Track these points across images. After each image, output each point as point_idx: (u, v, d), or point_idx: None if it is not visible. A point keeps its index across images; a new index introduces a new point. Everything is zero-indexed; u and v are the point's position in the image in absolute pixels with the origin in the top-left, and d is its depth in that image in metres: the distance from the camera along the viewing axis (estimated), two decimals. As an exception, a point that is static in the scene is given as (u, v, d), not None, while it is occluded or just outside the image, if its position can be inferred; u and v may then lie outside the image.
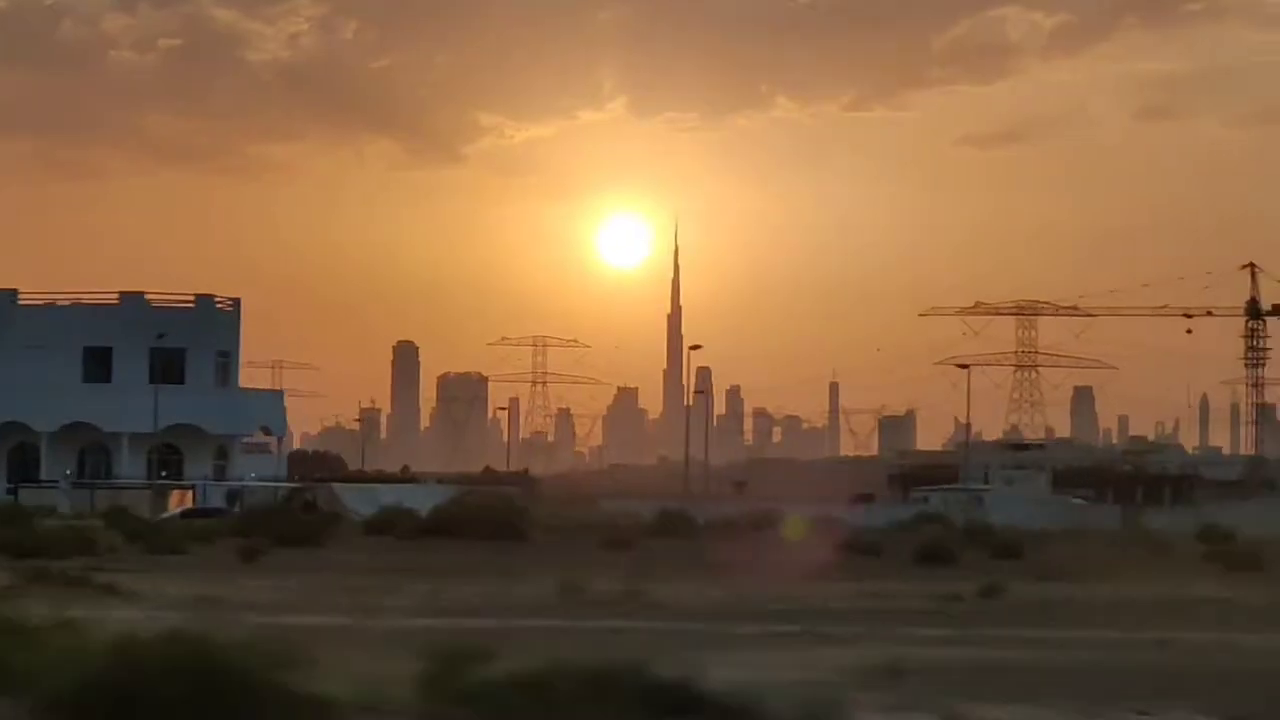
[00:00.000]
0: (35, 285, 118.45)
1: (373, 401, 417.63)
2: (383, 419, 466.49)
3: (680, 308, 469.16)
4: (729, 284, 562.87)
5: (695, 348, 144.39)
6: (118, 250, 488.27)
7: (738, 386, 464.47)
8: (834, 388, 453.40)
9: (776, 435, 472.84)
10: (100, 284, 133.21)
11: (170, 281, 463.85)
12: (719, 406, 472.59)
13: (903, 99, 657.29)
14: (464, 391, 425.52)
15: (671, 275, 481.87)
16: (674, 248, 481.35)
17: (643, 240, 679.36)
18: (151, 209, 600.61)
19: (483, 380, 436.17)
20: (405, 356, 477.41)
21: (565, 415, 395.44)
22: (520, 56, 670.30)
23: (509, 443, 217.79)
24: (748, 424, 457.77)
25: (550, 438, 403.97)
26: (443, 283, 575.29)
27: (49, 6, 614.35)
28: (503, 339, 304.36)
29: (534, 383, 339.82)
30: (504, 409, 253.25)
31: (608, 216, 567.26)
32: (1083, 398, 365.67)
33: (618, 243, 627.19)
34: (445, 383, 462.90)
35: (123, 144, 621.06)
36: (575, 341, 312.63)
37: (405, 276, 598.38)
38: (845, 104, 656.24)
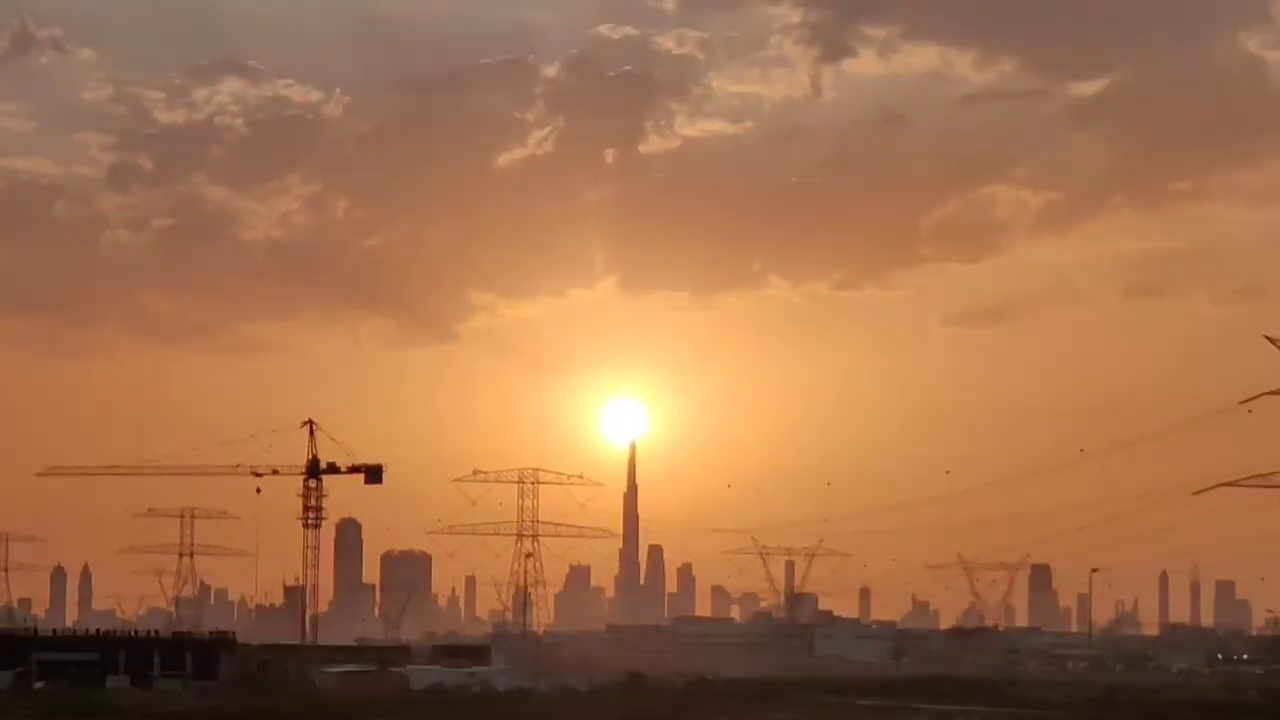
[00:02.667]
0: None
1: (297, 579, 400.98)
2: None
3: (636, 485, 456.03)
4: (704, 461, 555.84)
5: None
6: (111, 426, 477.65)
7: (689, 564, 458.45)
8: (790, 566, 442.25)
9: (735, 610, 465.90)
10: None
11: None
12: (670, 584, 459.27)
13: (893, 277, 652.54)
14: (407, 570, 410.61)
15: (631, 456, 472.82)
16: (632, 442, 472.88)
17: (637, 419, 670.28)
18: (145, 386, 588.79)
19: (425, 557, 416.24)
20: (347, 533, 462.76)
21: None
22: (511, 235, 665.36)
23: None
24: (702, 601, 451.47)
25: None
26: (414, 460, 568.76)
27: (45, 187, 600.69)
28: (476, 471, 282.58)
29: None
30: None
31: (597, 395, 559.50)
32: None
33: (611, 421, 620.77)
34: (388, 560, 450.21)
35: (118, 322, 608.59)
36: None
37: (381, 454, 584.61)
38: (835, 282, 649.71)
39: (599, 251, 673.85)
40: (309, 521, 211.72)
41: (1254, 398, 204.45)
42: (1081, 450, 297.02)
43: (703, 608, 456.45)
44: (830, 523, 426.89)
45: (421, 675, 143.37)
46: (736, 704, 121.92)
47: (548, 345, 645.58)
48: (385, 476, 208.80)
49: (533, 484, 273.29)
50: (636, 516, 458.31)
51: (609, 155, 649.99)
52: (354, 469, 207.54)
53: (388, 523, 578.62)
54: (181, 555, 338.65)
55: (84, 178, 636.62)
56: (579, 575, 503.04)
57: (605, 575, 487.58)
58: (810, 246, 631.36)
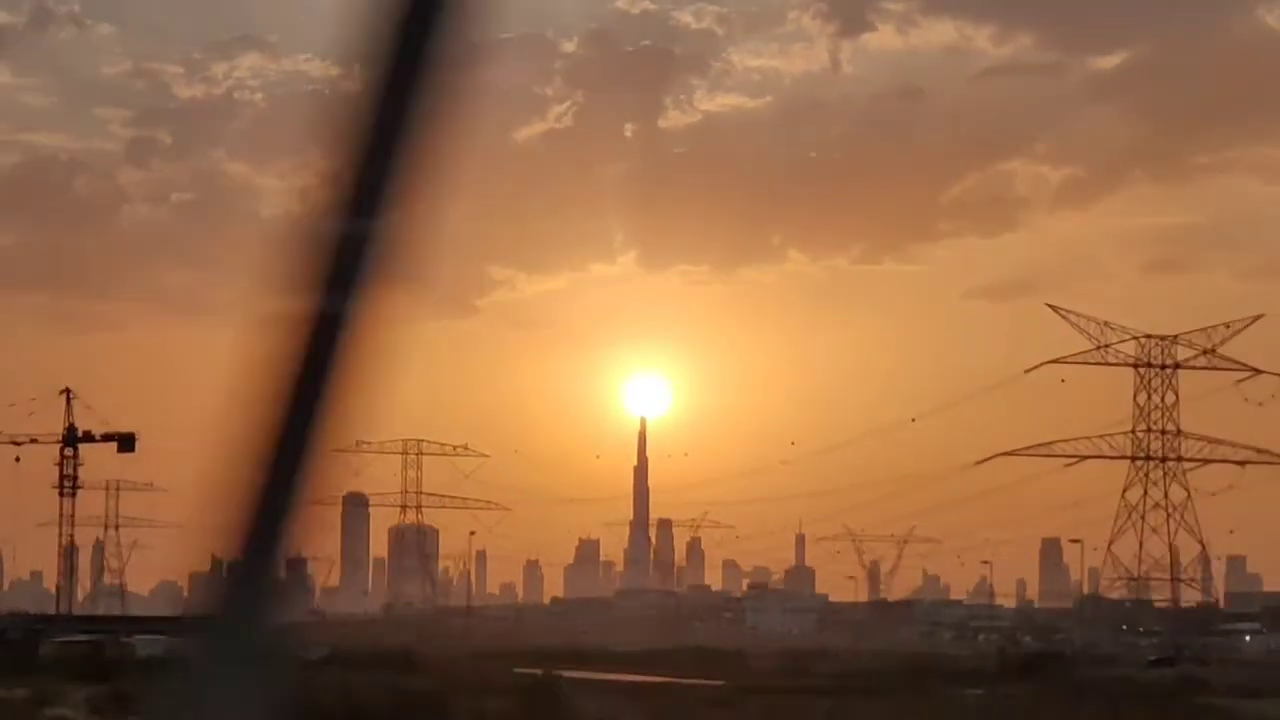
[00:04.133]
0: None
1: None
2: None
3: (646, 460, 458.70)
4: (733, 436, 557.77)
5: None
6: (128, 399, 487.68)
7: (698, 539, 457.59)
8: (800, 539, 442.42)
9: (745, 585, 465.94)
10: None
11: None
12: (680, 557, 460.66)
13: (912, 252, 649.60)
14: (415, 539, 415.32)
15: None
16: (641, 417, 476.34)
17: (656, 394, 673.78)
18: (164, 362, 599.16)
19: (434, 531, 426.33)
20: (353, 505, 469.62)
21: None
22: (531, 210, 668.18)
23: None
24: (712, 574, 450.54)
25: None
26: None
27: (64, 162, 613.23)
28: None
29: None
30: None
31: (617, 369, 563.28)
32: None
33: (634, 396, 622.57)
34: (396, 531, 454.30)
35: (136, 298, 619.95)
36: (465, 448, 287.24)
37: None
38: (855, 257, 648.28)
39: (618, 226, 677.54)
40: (64, 490, 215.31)
41: (1036, 366, 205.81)
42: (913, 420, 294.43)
43: (713, 580, 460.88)
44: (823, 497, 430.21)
45: (146, 645, 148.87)
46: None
47: (568, 320, 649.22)
48: (138, 445, 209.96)
49: (416, 455, 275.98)
50: (647, 490, 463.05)
51: (628, 130, 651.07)
52: (107, 437, 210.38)
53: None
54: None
55: (104, 153, 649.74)
56: (589, 549, 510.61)
57: (617, 550, 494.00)
58: (829, 221, 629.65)
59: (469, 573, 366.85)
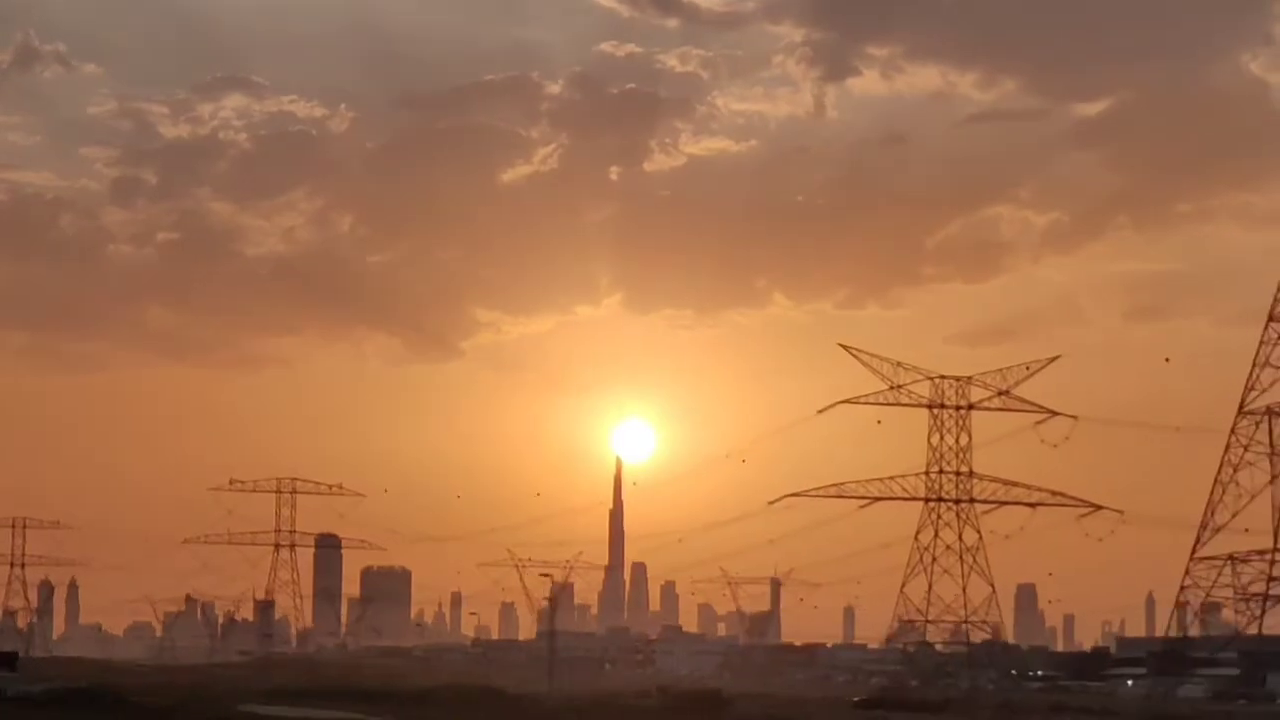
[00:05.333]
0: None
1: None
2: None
3: (622, 503, 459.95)
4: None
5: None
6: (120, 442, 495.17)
7: (673, 582, 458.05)
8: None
9: (722, 628, 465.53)
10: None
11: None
12: (654, 602, 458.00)
13: (896, 296, 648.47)
14: (385, 584, 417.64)
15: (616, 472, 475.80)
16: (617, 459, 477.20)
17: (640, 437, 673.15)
18: (148, 402, 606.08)
19: (405, 573, 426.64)
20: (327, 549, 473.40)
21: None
22: (516, 251, 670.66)
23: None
24: (688, 618, 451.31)
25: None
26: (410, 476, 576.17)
27: (49, 200, 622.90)
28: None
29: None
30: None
31: (603, 411, 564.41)
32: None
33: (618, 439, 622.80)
34: (368, 575, 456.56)
35: (121, 337, 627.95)
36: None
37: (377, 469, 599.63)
38: (840, 301, 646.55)
39: (604, 269, 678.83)
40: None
41: (829, 406, 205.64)
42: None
43: (688, 624, 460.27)
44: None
45: None
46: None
47: (552, 362, 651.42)
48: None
49: (291, 493, 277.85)
50: (622, 533, 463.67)
51: (613, 173, 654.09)
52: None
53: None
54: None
55: (88, 191, 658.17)
56: (564, 593, 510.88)
57: (591, 594, 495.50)
58: (814, 265, 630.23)
59: (362, 616, 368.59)
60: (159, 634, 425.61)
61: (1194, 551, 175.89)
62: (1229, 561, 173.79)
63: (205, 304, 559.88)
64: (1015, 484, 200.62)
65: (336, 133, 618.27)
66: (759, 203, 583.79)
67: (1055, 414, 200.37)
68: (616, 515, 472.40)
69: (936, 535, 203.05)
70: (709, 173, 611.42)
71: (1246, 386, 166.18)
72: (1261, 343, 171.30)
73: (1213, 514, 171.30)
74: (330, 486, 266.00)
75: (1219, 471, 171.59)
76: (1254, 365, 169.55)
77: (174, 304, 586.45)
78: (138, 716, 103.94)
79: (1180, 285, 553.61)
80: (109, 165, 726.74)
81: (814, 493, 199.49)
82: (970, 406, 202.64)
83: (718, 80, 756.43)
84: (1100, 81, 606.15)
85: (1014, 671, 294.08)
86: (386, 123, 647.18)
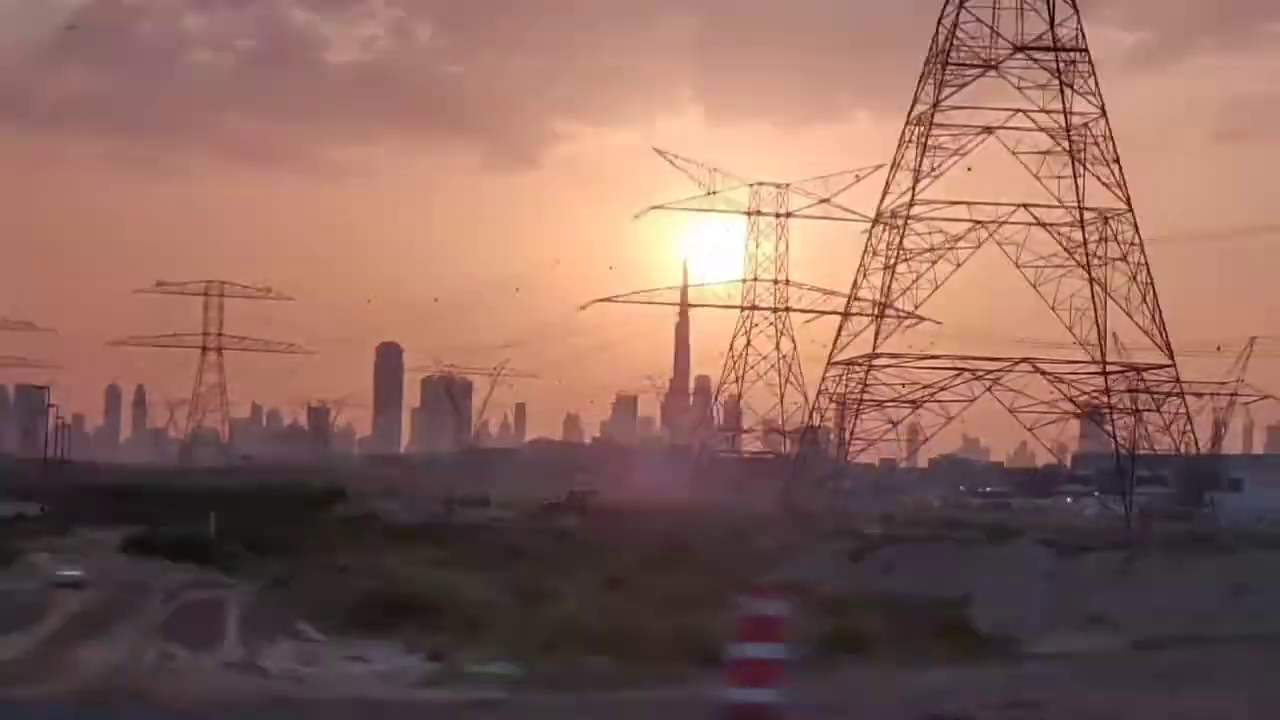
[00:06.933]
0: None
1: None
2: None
3: (687, 311, 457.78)
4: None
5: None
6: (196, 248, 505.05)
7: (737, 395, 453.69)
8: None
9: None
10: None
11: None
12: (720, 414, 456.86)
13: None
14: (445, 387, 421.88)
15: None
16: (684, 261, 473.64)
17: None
18: (228, 209, 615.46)
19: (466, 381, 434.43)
20: (389, 356, 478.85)
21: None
22: (597, 61, 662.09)
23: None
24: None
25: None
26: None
27: (126, 7, 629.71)
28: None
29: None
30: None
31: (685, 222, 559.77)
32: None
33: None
34: (430, 381, 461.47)
35: (199, 145, 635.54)
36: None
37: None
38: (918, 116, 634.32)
39: (684, 81, 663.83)
40: None
41: (644, 212, 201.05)
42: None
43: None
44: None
45: None
46: None
47: (633, 174, 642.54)
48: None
49: (218, 296, 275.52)
50: (687, 344, 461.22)
51: None
52: None
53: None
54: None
55: None
56: (625, 404, 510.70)
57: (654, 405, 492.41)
58: (896, 80, 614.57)
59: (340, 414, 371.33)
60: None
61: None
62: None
63: (283, 112, 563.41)
64: (834, 293, 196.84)
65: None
66: (843, 16, 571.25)
67: (877, 222, 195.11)
68: (682, 325, 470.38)
69: (749, 344, 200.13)
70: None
71: None
72: None
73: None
74: (257, 290, 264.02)
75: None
76: None
77: (253, 112, 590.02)
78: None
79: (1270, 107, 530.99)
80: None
81: (622, 298, 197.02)
82: (789, 214, 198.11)
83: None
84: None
85: (962, 488, 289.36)
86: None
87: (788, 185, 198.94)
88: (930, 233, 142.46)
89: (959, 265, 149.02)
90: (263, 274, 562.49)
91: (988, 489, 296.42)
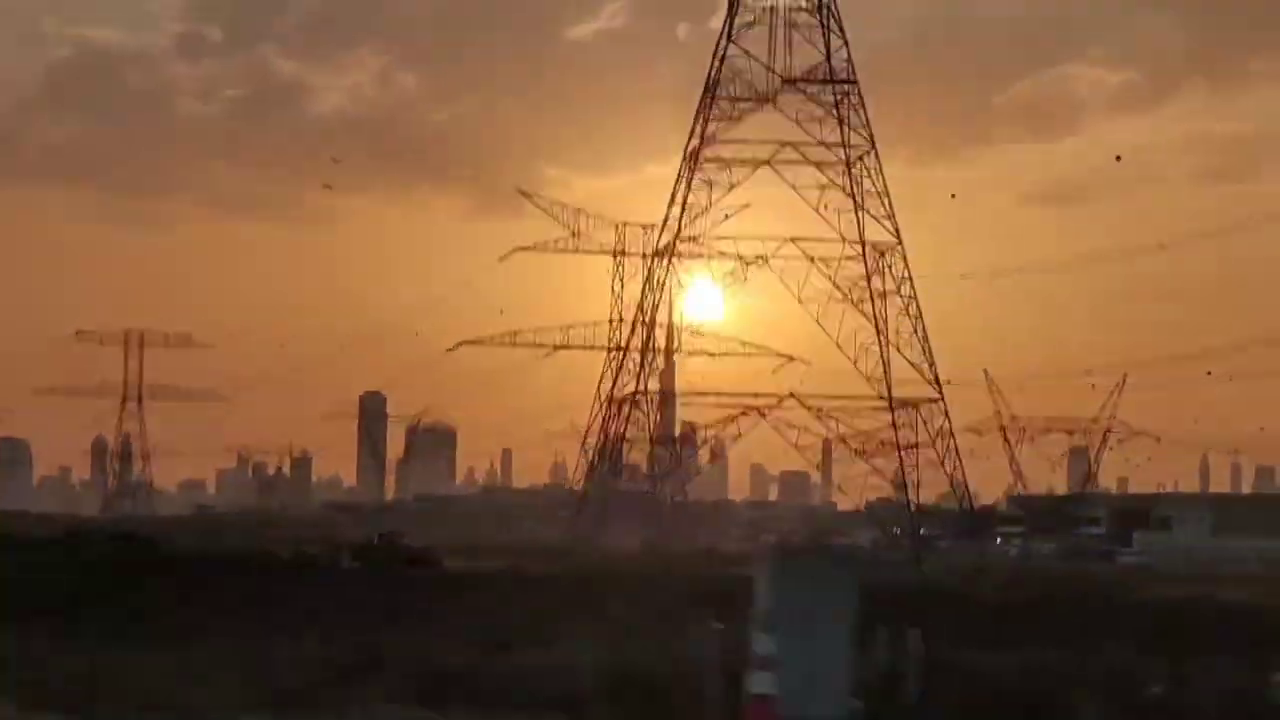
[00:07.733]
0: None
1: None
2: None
3: (673, 358, 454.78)
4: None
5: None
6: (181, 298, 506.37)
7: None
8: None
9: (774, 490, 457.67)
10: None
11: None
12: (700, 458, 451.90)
13: (965, 155, 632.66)
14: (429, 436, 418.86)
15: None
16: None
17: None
18: (214, 258, 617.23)
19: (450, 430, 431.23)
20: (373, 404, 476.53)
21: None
22: (586, 109, 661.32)
23: None
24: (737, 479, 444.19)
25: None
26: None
27: (114, 56, 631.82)
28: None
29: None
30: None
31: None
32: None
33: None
34: (413, 430, 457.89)
35: (186, 194, 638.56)
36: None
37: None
38: (905, 160, 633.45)
39: (673, 127, 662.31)
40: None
41: (508, 254, 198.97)
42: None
43: (738, 485, 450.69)
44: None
45: None
46: None
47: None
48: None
49: (139, 345, 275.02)
50: (674, 391, 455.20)
51: (681, 30, 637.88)
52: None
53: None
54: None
55: (153, 46, 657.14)
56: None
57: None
58: (881, 125, 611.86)
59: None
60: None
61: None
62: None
63: (270, 161, 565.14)
64: (701, 333, 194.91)
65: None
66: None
67: (750, 262, 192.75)
68: (668, 372, 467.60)
69: (615, 383, 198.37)
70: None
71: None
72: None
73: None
74: (175, 336, 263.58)
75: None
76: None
77: (240, 161, 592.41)
78: None
79: (1253, 148, 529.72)
80: (174, 20, 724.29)
81: (489, 341, 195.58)
82: (656, 254, 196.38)
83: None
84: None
85: (896, 530, 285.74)
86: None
87: (653, 226, 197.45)
88: (709, 265, 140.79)
89: (728, 298, 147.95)
90: (238, 322, 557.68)
91: (922, 531, 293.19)
